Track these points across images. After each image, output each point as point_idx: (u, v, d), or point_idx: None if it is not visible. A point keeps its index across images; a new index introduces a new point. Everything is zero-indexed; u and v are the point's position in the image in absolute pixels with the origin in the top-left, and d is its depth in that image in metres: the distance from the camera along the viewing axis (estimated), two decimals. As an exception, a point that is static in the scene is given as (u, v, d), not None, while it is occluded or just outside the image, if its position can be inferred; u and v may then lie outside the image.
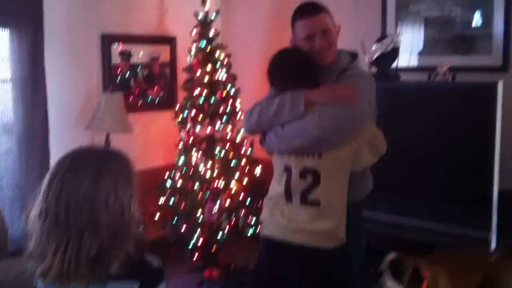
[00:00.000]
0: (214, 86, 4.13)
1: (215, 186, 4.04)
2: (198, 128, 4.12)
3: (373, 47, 3.66)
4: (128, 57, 4.39)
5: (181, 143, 4.16)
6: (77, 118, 4.08)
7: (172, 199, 4.10)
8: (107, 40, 4.22)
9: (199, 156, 4.10)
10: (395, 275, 2.71)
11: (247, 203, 4.12)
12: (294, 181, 2.26)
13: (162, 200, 4.16)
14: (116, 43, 4.29)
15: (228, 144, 4.15)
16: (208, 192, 4.00)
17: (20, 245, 1.90)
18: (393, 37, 3.63)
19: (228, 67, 4.21)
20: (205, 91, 4.10)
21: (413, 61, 3.90)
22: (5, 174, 3.71)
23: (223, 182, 4.05)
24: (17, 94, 3.68)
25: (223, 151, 4.11)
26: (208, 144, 4.13)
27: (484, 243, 3.13)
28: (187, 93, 4.19)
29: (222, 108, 4.12)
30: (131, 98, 4.39)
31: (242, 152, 4.17)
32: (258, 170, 4.18)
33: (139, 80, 4.47)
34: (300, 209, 2.26)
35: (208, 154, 4.09)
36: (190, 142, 4.12)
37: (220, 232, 4.00)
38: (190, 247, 4.04)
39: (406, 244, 3.52)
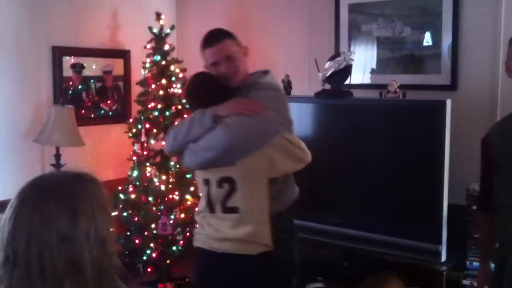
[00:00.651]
0: (169, 100, 4.12)
1: (169, 199, 4.02)
2: (152, 141, 4.10)
3: (326, 65, 3.73)
4: (80, 70, 4.33)
5: (135, 156, 4.13)
6: (26, 131, 3.99)
7: (125, 212, 4.05)
8: (57, 53, 4.15)
9: (153, 169, 4.07)
10: None
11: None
12: (213, 192, 2.40)
13: (114, 214, 4.10)
14: (68, 56, 4.22)
15: (183, 157, 4.13)
16: (162, 205, 3.97)
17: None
18: (346, 55, 3.71)
19: (183, 81, 4.21)
20: (159, 105, 4.09)
21: (366, 79, 4.00)
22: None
23: (178, 195, 4.04)
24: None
25: (178, 165, 4.09)
26: (162, 158, 4.11)
27: (435, 255, 3.22)
28: (141, 107, 4.16)
29: (177, 122, 4.10)
30: (83, 111, 4.33)
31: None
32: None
33: (91, 93, 4.41)
34: (223, 218, 2.39)
35: (162, 167, 4.07)
36: (144, 155, 4.09)
37: (174, 246, 3.97)
38: (143, 261, 3.99)
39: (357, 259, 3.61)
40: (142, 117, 4.10)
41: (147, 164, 4.08)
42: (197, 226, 2.56)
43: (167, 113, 4.08)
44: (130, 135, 4.14)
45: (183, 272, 4.15)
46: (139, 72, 4.34)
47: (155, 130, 4.09)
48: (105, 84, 4.51)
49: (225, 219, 2.38)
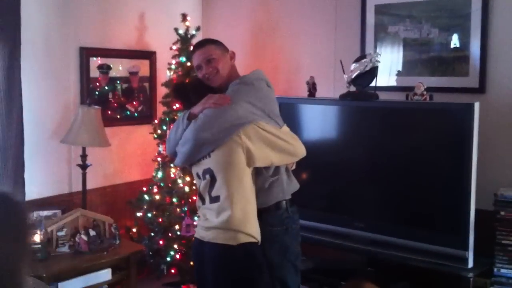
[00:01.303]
0: (194, 101, 4.12)
1: (193, 200, 4.02)
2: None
3: (352, 67, 3.70)
4: (107, 71, 4.37)
5: (159, 157, 4.14)
6: (53, 131, 4.03)
7: (149, 213, 4.07)
8: (85, 54, 4.19)
9: (177, 170, 4.08)
10: None
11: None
12: (201, 183, 2.58)
13: (139, 214, 4.12)
14: (95, 57, 4.27)
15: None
16: (186, 207, 3.98)
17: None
18: (372, 57, 3.66)
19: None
20: (184, 106, 4.10)
21: (392, 81, 3.96)
22: (-21, 187, 3.64)
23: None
24: (-8, 107, 3.63)
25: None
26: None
27: (462, 261, 3.17)
28: (166, 108, 4.18)
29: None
30: (109, 111, 4.37)
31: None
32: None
33: (117, 94, 4.45)
34: (210, 207, 2.53)
35: (186, 169, 4.07)
36: (168, 156, 4.10)
37: (198, 248, 3.97)
38: (166, 262, 4.01)
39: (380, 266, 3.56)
40: (167, 118, 4.12)
41: (171, 165, 4.09)
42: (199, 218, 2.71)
43: (192, 114, 4.08)
44: (155, 136, 4.16)
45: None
46: (164, 73, 4.37)
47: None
48: (131, 85, 4.55)
49: (211, 208, 2.52)
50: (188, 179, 4.04)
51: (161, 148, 4.13)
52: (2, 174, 3.65)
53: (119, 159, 4.46)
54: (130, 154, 4.54)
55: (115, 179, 4.44)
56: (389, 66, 3.96)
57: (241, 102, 2.50)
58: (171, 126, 4.05)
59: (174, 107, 4.12)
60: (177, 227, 3.99)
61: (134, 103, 4.57)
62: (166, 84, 4.24)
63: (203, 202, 2.59)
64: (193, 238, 2.71)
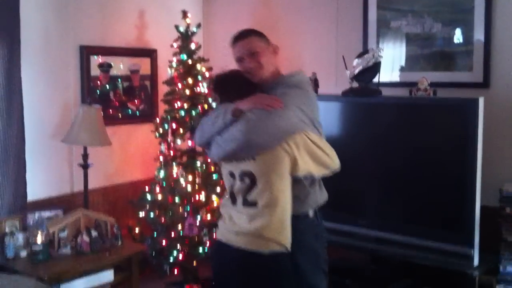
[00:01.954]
0: (195, 99, 4.10)
1: (196, 200, 4.00)
2: (178, 141, 4.09)
3: (354, 62, 3.67)
4: (108, 69, 4.34)
5: (161, 156, 4.12)
6: (54, 130, 4.00)
7: (152, 213, 4.04)
8: (85, 52, 4.16)
9: (179, 169, 4.05)
10: None
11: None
12: (236, 184, 2.44)
13: (141, 214, 4.10)
14: (96, 55, 4.24)
15: (209, 157, 4.11)
16: (189, 206, 3.96)
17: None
18: (374, 52, 3.64)
19: (209, 80, 4.19)
20: (186, 104, 4.07)
21: (395, 77, 3.92)
22: (-20, 186, 3.63)
23: (204, 196, 4.01)
24: (-8, 106, 3.61)
25: (204, 165, 4.07)
26: (189, 158, 4.09)
27: (467, 259, 3.14)
28: (167, 106, 4.15)
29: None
30: (110, 110, 4.34)
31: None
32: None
33: (119, 92, 4.42)
34: (242, 210, 2.41)
35: (189, 167, 4.05)
36: (170, 155, 4.08)
37: (201, 247, 3.95)
38: (170, 262, 3.98)
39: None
40: (169, 117, 4.08)
41: (174, 164, 4.06)
42: (221, 218, 2.59)
43: (193, 112, 4.06)
44: (157, 135, 4.13)
45: (209, 273, 4.13)
46: (165, 71, 4.33)
47: (181, 130, 4.07)
48: (132, 83, 4.52)
49: (243, 212, 2.41)
50: (190, 178, 4.01)
51: (163, 147, 4.10)
52: (3, 174, 3.63)
53: (121, 158, 4.44)
54: (131, 153, 4.52)
55: (117, 178, 4.41)
56: (391, 61, 3.93)
57: (294, 108, 2.36)
58: (173, 124, 4.05)
59: (176, 105, 4.09)
60: (179, 226, 3.96)
61: (136, 101, 4.54)
62: (167, 82, 4.21)
63: (234, 202, 2.46)
64: (211, 240, 2.59)
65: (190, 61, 4.15)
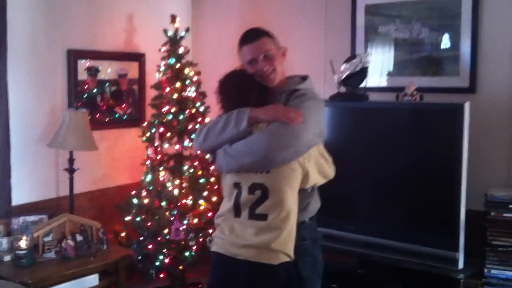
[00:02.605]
0: (183, 103, 4.09)
1: (183, 204, 3.98)
2: (166, 145, 4.07)
3: (342, 67, 3.67)
4: (95, 73, 4.32)
5: (149, 160, 4.10)
6: (40, 135, 3.97)
7: (138, 217, 4.02)
8: (73, 56, 4.14)
9: (166, 174, 4.03)
10: None
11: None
12: (243, 196, 2.34)
13: (128, 218, 4.07)
14: (83, 59, 4.22)
15: (197, 162, 4.10)
16: (176, 210, 3.94)
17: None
18: (362, 57, 3.64)
19: (198, 84, 4.18)
20: (173, 109, 4.06)
21: (383, 82, 3.93)
22: (-36, 191, 3.59)
23: (191, 200, 4.00)
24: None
25: (192, 169, 4.06)
26: (176, 162, 4.08)
27: (452, 262, 3.14)
28: (155, 110, 4.14)
29: (191, 125, 4.08)
30: (98, 114, 4.32)
31: (211, 170, 4.11)
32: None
33: (106, 96, 4.40)
34: (247, 223, 2.32)
35: (176, 172, 4.03)
36: (157, 159, 4.06)
37: (188, 252, 3.93)
38: (156, 266, 3.96)
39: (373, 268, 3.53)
40: (156, 121, 4.07)
41: (161, 168, 4.05)
42: (216, 229, 2.49)
43: (181, 116, 4.04)
44: (144, 139, 4.11)
45: (196, 278, 4.12)
46: (154, 76, 4.31)
47: (169, 134, 4.06)
48: (120, 87, 4.50)
49: (249, 225, 2.32)
50: (177, 182, 4.00)
51: (149, 151, 4.08)
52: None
53: (108, 162, 4.41)
54: (118, 158, 4.49)
55: (104, 183, 4.39)
56: (380, 66, 3.93)
57: (314, 122, 2.30)
58: (160, 129, 4.04)
59: (164, 109, 4.07)
60: (166, 231, 3.93)
61: (123, 105, 4.52)
62: (155, 86, 4.19)
63: (237, 215, 2.36)
64: (211, 253, 2.49)
65: (178, 65, 4.14)
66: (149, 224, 3.99)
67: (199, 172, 4.09)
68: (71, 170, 3.90)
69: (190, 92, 4.13)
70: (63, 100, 4.12)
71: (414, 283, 3.41)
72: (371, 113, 3.59)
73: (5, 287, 3.04)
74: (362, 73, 3.64)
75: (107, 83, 4.41)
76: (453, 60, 3.62)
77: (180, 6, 4.89)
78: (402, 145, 3.42)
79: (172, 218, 3.92)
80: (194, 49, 4.78)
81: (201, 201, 4.02)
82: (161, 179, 4.03)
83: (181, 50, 4.18)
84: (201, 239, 3.97)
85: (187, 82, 4.14)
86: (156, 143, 4.06)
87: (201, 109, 4.14)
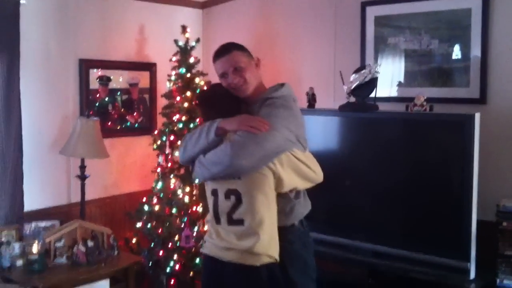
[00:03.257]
0: (193, 112, 4.12)
1: (193, 211, 4.00)
2: (176, 153, 4.10)
3: (351, 78, 3.69)
4: (107, 83, 4.36)
5: (159, 168, 4.13)
6: (52, 143, 4.02)
7: (149, 224, 4.05)
8: (84, 65, 4.19)
9: (177, 181, 4.06)
10: None
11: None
12: (220, 203, 2.42)
13: (138, 225, 4.10)
14: (95, 69, 4.26)
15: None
16: (186, 217, 3.96)
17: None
18: (371, 68, 3.66)
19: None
20: (184, 117, 4.10)
21: (392, 92, 3.95)
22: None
23: (202, 207, 4.02)
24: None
25: (202, 177, 4.08)
26: (186, 170, 4.10)
27: (463, 273, 3.14)
28: (166, 119, 4.17)
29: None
30: (109, 123, 4.36)
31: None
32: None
33: (118, 105, 4.44)
34: (228, 229, 2.41)
35: (186, 179, 4.06)
36: (168, 167, 4.09)
37: (198, 259, 3.95)
38: (166, 273, 3.98)
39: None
40: (167, 130, 4.11)
41: (171, 176, 4.08)
42: (207, 232, 2.58)
43: (192, 125, 4.08)
44: (155, 147, 4.15)
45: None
46: (164, 85, 4.36)
47: (179, 143, 4.08)
48: (131, 96, 4.54)
49: (230, 230, 2.40)
50: (188, 189, 4.02)
51: (160, 159, 4.12)
52: (0, 185, 3.63)
53: (119, 170, 4.45)
54: (129, 165, 4.52)
55: (115, 190, 4.41)
56: (390, 77, 3.95)
57: (282, 129, 2.33)
58: (171, 137, 4.07)
59: (174, 118, 4.11)
60: (176, 238, 3.95)
61: (134, 114, 4.56)
62: (166, 96, 4.24)
63: (218, 222, 2.44)
64: (202, 255, 2.61)
65: (188, 75, 4.19)
66: (159, 231, 4.01)
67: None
68: (82, 177, 3.93)
69: (201, 101, 4.16)
70: (75, 109, 4.16)
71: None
72: (381, 123, 3.60)
73: (17, 292, 3.06)
74: (371, 83, 3.64)
75: (119, 92, 4.45)
76: (463, 71, 3.63)
77: (190, 17, 4.94)
78: (412, 155, 3.43)
79: (182, 225, 3.95)
80: (204, 59, 4.81)
81: (211, 209, 4.04)
82: (171, 186, 4.06)
83: (191, 60, 4.24)
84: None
85: (198, 91, 4.17)
86: (167, 151, 4.09)
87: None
